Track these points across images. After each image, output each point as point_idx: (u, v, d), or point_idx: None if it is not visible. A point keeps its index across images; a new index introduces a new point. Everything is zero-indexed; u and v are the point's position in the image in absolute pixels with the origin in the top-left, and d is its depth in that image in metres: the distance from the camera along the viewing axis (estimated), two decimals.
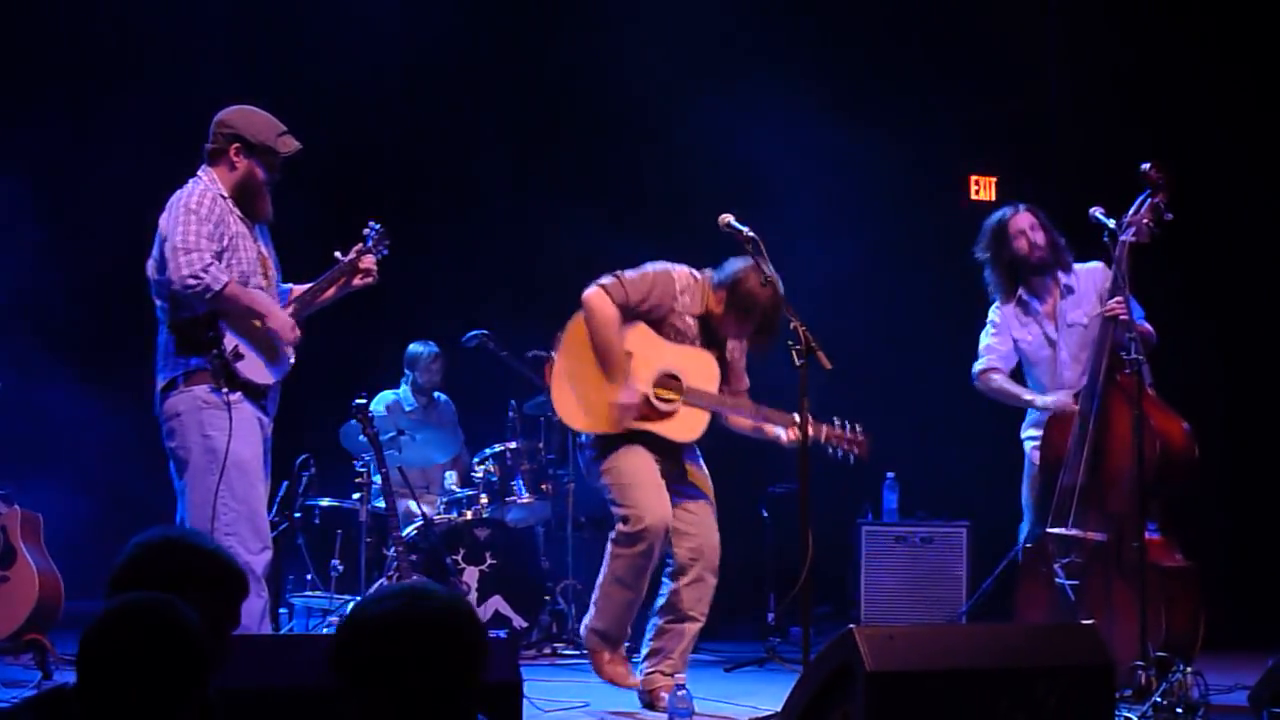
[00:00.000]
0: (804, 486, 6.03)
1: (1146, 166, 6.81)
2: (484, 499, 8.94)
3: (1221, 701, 6.50)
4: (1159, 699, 5.96)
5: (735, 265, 6.65)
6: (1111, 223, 6.66)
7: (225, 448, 6.00)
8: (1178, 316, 8.05)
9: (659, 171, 10.53)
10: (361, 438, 8.16)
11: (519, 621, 8.64)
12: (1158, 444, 6.58)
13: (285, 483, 8.61)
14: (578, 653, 8.50)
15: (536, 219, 10.35)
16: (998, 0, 10.57)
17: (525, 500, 9.05)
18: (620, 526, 6.56)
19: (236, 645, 3.34)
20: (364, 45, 10.17)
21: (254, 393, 6.15)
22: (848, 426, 6.65)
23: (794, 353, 6.05)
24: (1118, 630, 6.35)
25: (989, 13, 10.47)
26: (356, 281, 6.51)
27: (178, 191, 6.14)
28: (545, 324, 6.97)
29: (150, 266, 6.14)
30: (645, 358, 6.61)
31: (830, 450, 6.61)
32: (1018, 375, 7.45)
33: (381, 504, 8.32)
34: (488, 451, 9.09)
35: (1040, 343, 7.30)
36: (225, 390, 6.03)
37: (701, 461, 6.83)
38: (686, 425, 6.67)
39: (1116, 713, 5.50)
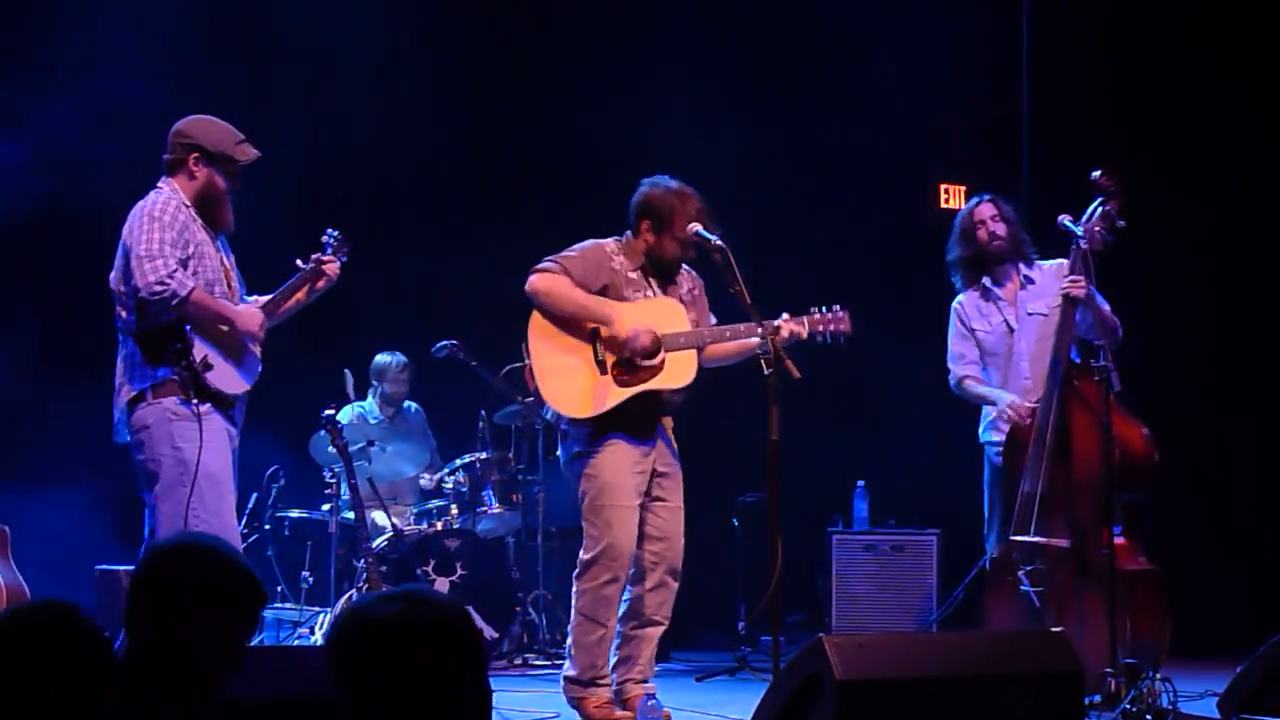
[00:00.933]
0: (773, 495, 6.03)
1: (1097, 174, 6.87)
2: (454, 510, 8.93)
3: (1190, 709, 6.51)
4: (1128, 706, 5.98)
5: (631, 201, 6.74)
6: (1079, 230, 6.72)
7: (196, 459, 5.98)
8: (1147, 319, 8.08)
9: (625, 182, 10.50)
10: (330, 449, 8.14)
11: (490, 632, 8.62)
12: (1117, 450, 6.60)
13: (255, 494, 8.59)
14: (549, 663, 8.50)
15: (503, 229, 10.33)
16: (967, 6, 10.60)
17: (495, 511, 9.04)
18: (582, 554, 6.54)
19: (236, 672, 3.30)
20: (333, 55, 10.15)
21: (223, 403, 6.13)
22: (824, 310, 6.63)
23: (762, 361, 6.08)
24: (1085, 636, 6.36)
25: (958, 19, 10.49)
26: (321, 284, 6.49)
27: (139, 202, 6.12)
28: (513, 334, 6.95)
29: (113, 278, 6.12)
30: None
31: (819, 339, 6.59)
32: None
33: (351, 515, 8.30)
34: (458, 462, 9.08)
35: (1000, 332, 7.33)
36: (195, 401, 6.01)
37: (678, 464, 6.78)
38: (677, 372, 6.59)
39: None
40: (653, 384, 6.56)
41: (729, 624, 9.41)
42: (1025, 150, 10.32)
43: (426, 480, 9.43)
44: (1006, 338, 7.31)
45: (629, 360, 6.53)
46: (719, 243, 6.38)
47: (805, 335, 6.51)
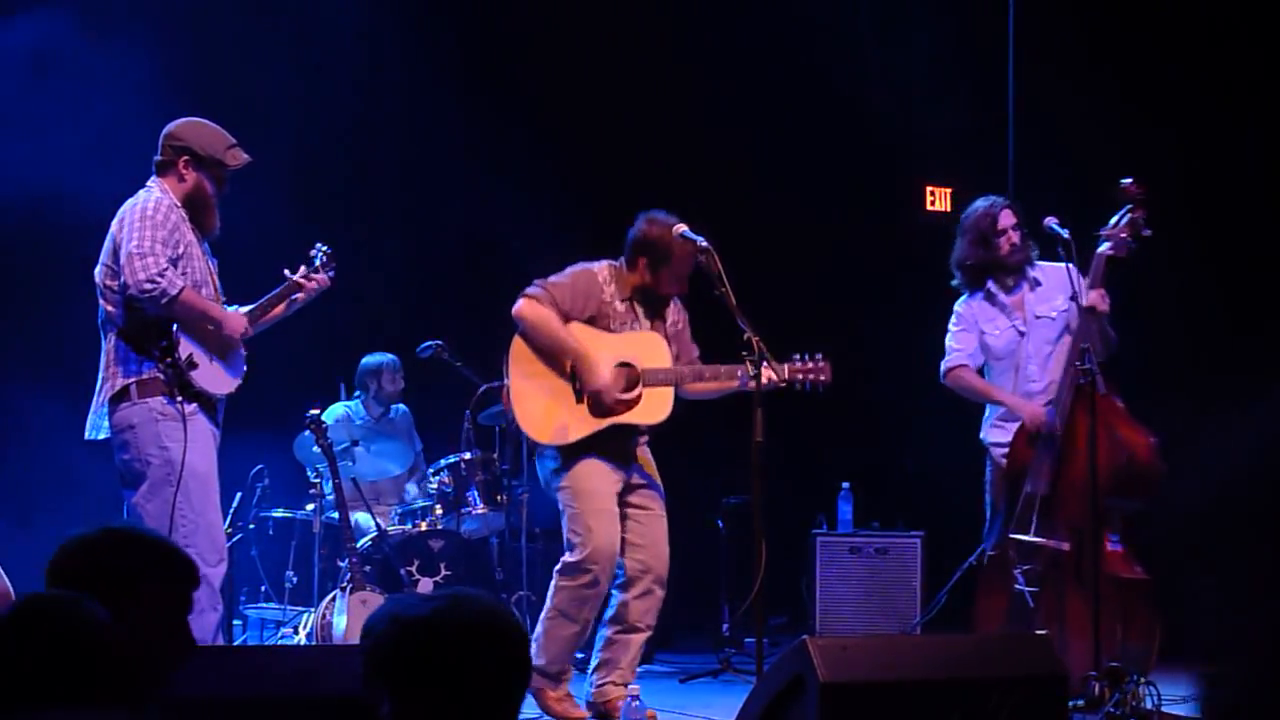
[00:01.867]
0: (758, 497, 6.04)
1: (1127, 181, 6.84)
2: (438, 510, 8.91)
3: (1174, 711, 6.52)
4: (1112, 709, 5.98)
5: (630, 235, 6.74)
6: (1065, 233, 6.70)
7: (182, 459, 5.97)
8: (1142, 322, 8.08)
9: (617, 177, 10.49)
10: (315, 448, 8.13)
11: None
12: (1123, 456, 6.61)
13: (239, 494, 8.57)
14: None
15: (489, 227, 10.31)
16: (953, 8, 10.60)
17: (480, 511, 9.01)
18: (566, 556, 6.60)
19: (193, 656, 3.27)
20: (319, 51, 10.13)
21: (207, 404, 6.13)
22: (807, 358, 6.66)
23: (748, 364, 6.10)
24: (1073, 640, 6.37)
25: (944, 20, 10.49)
26: (300, 296, 6.51)
27: (130, 200, 6.12)
28: (499, 336, 6.94)
29: (99, 273, 6.11)
30: (594, 353, 6.62)
31: (797, 386, 6.62)
32: (981, 375, 7.45)
33: (335, 515, 8.29)
34: (442, 462, 9.05)
35: (1009, 336, 7.29)
36: (180, 400, 6.01)
37: (656, 473, 6.82)
38: (653, 407, 6.66)
39: None
40: (626, 418, 6.64)
41: (713, 626, 9.40)
42: (1011, 153, 10.32)
43: (413, 489, 9.42)
44: (1016, 341, 7.28)
45: None
46: (704, 244, 6.40)
47: (783, 382, 6.53)
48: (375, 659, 2.69)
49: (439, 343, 9.06)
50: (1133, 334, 7.24)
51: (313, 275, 6.51)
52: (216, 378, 6.16)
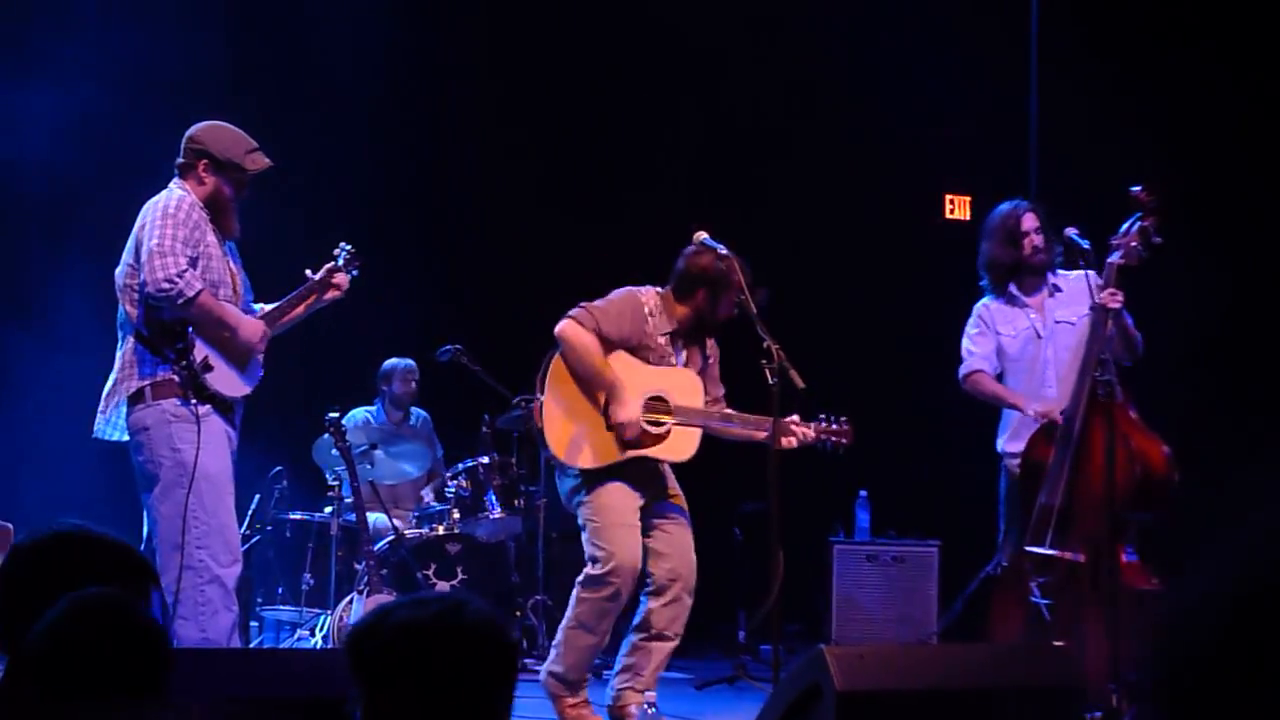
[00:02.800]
0: (775, 504, 6.04)
1: (1138, 189, 6.79)
2: (455, 513, 8.91)
3: None
4: None
5: (679, 268, 6.71)
6: (1087, 244, 6.67)
7: (194, 461, 5.98)
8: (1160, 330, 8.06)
9: (639, 187, 10.51)
10: (334, 451, 8.14)
11: None
12: (1137, 467, 6.56)
13: (257, 496, 8.58)
14: None
15: (511, 233, 10.33)
16: (975, 16, 10.58)
17: (497, 515, 9.02)
18: (589, 569, 6.59)
19: (205, 660, 3.29)
20: (342, 57, 10.14)
21: (222, 406, 6.14)
22: (832, 420, 6.69)
23: (767, 371, 6.10)
24: (1090, 651, 6.35)
25: (966, 29, 10.48)
26: (326, 296, 6.51)
27: (153, 199, 6.13)
28: (518, 341, 6.95)
29: (121, 273, 6.12)
30: (629, 383, 6.62)
31: (819, 447, 6.65)
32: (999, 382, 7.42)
33: (353, 518, 8.30)
34: (460, 466, 9.06)
35: (1025, 338, 7.24)
36: (194, 402, 6.02)
37: (676, 485, 6.83)
38: (679, 445, 6.69)
39: None
40: (652, 452, 6.65)
41: (729, 633, 9.40)
42: (1033, 161, 10.31)
43: (428, 495, 9.44)
44: (1033, 344, 7.24)
45: None
46: (725, 251, 6.40)
47: (810, 441, 6.62)
48: (357, 656, 2.69)
49: (458, 347, 9.07)
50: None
51: (336, 274, 6.51)
52: (232, 381, 6.17)
